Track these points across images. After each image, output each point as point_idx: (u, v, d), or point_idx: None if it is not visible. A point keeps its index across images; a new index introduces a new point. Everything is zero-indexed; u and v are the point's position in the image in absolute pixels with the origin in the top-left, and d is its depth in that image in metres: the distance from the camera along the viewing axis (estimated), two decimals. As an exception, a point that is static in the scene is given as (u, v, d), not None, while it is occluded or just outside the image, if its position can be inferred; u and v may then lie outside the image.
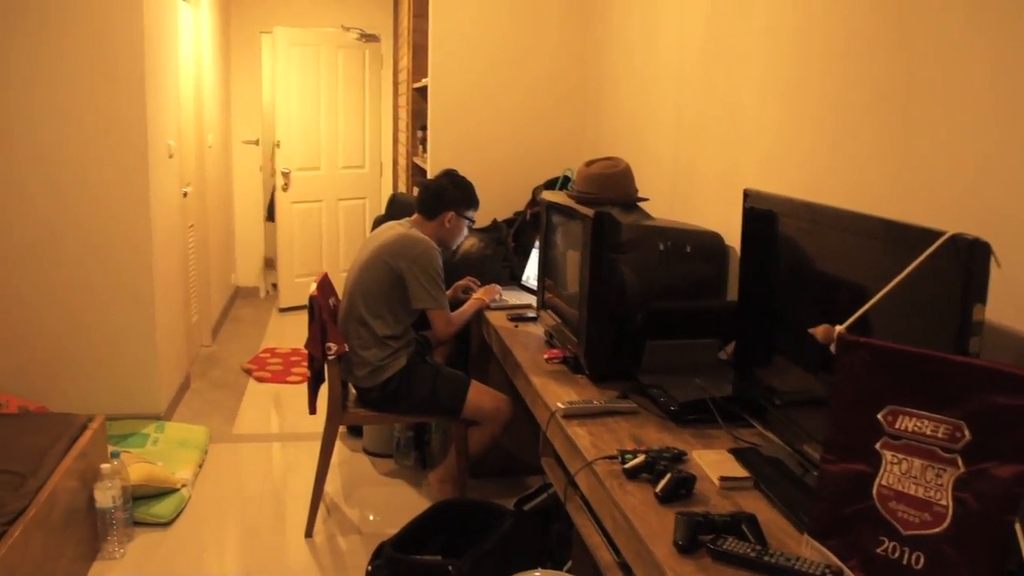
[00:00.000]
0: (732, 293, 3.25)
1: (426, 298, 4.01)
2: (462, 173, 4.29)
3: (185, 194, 6.33)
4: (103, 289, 5.13)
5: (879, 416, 1.62)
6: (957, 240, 1.64)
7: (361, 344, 4.05)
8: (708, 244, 3.24)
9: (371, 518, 4.38)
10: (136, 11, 4.91)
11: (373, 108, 8.86)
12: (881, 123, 2.43)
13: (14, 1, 4.76)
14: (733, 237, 3.22)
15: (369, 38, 8.68)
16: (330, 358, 3.98)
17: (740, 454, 2.38)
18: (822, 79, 2.74)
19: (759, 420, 2.52)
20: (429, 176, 4.67)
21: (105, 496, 3.84)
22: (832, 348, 1.71)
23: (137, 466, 4.20)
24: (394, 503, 4.51)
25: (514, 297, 4.38)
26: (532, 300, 4.24)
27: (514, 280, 4.70)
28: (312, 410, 4.29)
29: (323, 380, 4.16)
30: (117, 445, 4.44)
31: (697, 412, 2.63)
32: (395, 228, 4.16)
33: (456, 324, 4.15)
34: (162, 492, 4.29)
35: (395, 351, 4.04)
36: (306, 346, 4.14)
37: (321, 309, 4.02)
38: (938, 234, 1.67)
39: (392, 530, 3.78)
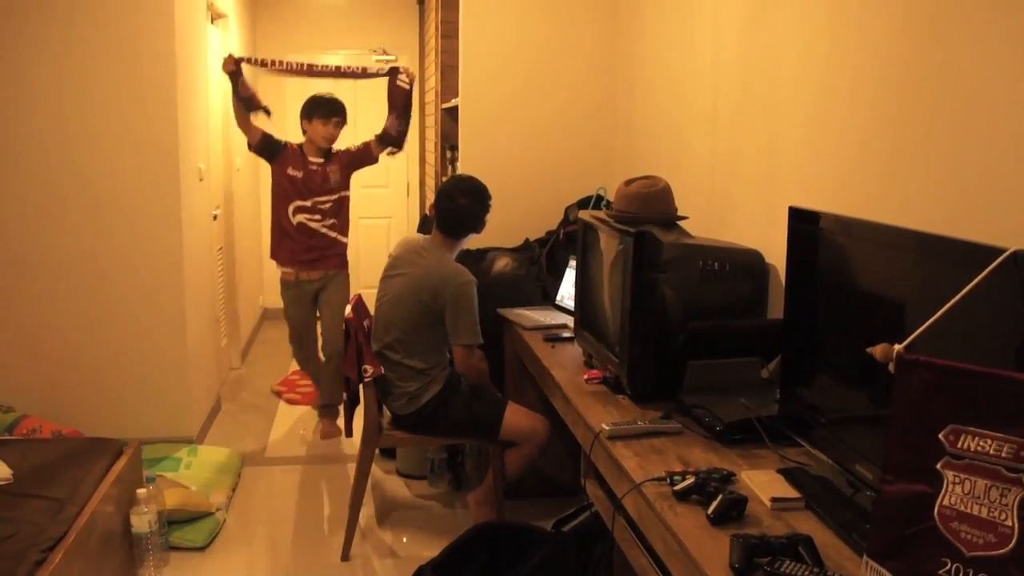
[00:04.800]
0: (772, 311, 3.22)
1: (460, 334, 3.99)
2: (481, 181, 4.22)
3: (215, 217, 6.35)
4: (135, 313, 5.15)
5: (940, 436, 1.59)
6: (1018, 256, 1.61)
7: (398, 376, 4.03)
8: (748, 262, 3.23)
9: (406, 541, 4.36)
10: (168, 35, 4.96)
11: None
12: (926, 135, 2.40)
13: (45, 25, 4.81)
14: (772, 253, 3.20)
15: (388, 61, 8.73)
16: (366, 380, 3.97)
17: (789, 474, 2.35)
18: (864, 91, 2.72)
19: (806, 439, 2.50)
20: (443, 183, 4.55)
21: (141, 521, 3.83)
22: (891, 367, 1.68)
23: (172, 490, 4.20)
24: (429, 525, 4.49)
25: (548, 317, 4.36)
26: (566, 320, 4.22)
27: (547, 300, 4.68)
28: (348, 432, 4.28)
29: (359, 402, 4.14)
30: (150, 469, 4.44)
31: (743, 432, 2.60)
32: (423, 255, 4.11)
33: (476, 373, 4.14)
34: (196, 516, 4.28)
35: (433, 377, 4.04)
36: (342, 368, 4.13)
37: (356, 332, 4.01)
38: (997, 250, 1.64)
39: (429, 553, 3.77)
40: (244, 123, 5.64)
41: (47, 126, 4.90)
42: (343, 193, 5.79)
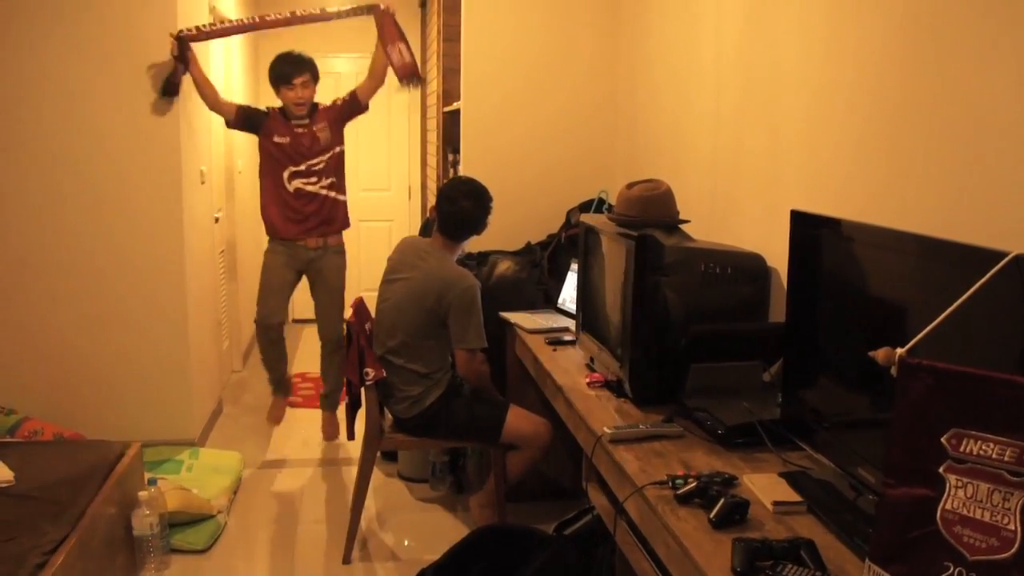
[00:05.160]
0: (774, 315, 3.22)
1: (465, 338, 3.98)
2: (481, 183, 4.21)
3: (217, 219, 6.34)
4: (137, 315, 5.15)
5: (942, 439, 1.59)
6: (1020, 260, 1.61)
7: (401, 381, 4.03)
8: (750, 266, 3.23)
9: (408, 544, 4.36)
10: (170, 39, 4.95)
11: (398, 131, 8.88)
12: (927, 136, 2.40)
13: (49, 29, 4.81)
14: (773, 256, 3.20)
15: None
16: (368, 383, 3.96)
17: (791, 478, 2.35)
18: (863, 91, 2.72)
19: (808, 442, 2.49)
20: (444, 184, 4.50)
21: (143, 523, 3.84)
22: (893, 371, 1.68)
23: (173, 493, 4.20)
24: (431, 528, 4.49)
25: (550, 320, 4.36)
26: (568, 323, 4.22)
27: (549, 303, 4.68)
28: (350, 436, 4.28)
29: (360, 405, 4.14)
30: (151, 472, 4.44)
31: (745, 435, 2.60)
32: (425, 259, 4.09)
33: (477, 376, 4.12)
34: (198, 519, 4.28)
35: (436, 381, 4.04)
36: (343, 371, 4.13)
37: (358, 335, 4.01)
38: (999, 254, 1.64)
39: (430, 556, 3.77)
40: (214, 102, 5.36)
41: (50, 129, 4.90)
42: (336, 149, 5.53)
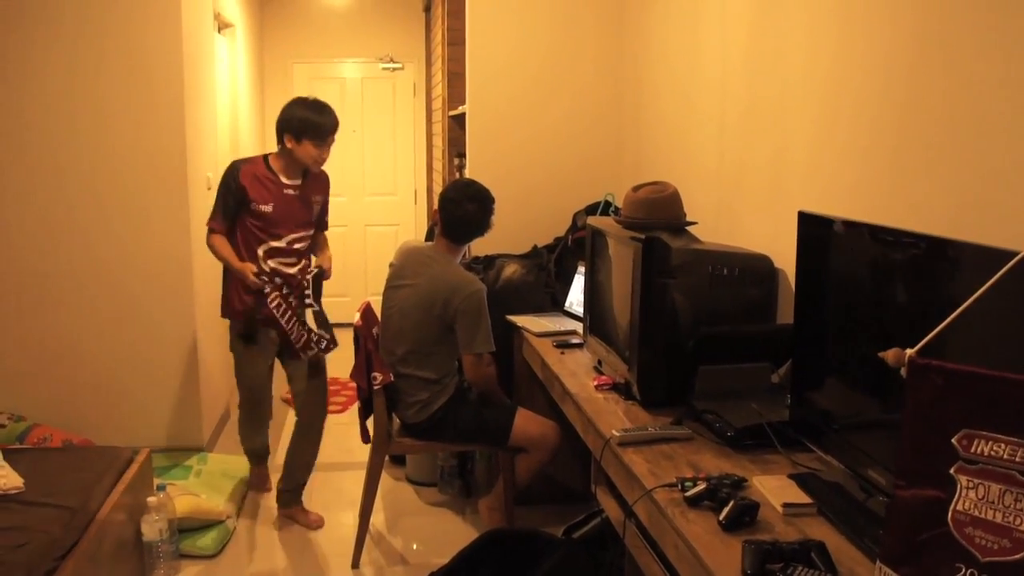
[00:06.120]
0: (782, 316, 3.22)
1: (473, 343, 3.96)
2: (483, 185, 4.17)
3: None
4: (145, 322, 5.16)
5: (953, 440, 1.58)
6: (1031, 260, 1.61)
7: (410, 387, 4.04)
8: (757, 267, 3.22)
9: (416, 548, 4.35)
10: (175, 45, 4.97)
11: (403, 135, 8.89)
12: (934, 139, 2.40)
13: (53, 37, 4.83)
14: (780, 257, 3.20)
15: (395, 69, 8.77)
16: (376, 387, 3.96)
17: (801, 480, 2.34)
18: (871, 95, 2.71)
19: (817, 444, 2.49)
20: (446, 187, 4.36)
21: (152, 529, 3.84)
22: (903, 372, 1.67)
23: (183, 498, 4.20)
24: (440, 532, 4.49)
25: (557, 323, 4.35)
26: (575, 326, 4.22)
27: (556, 306, 4.68)
28: (365, 439, 4.27)
29: (372, 410, 4.13)
30: (160, 477, 4.45)
31: (754, 437, 2.59)
32: (429, 265, 4.07)
33: (484, 379, 4.07)
34: (207, 524, 4.28)
35: (444, 386, 4.04)
36: (352, 376, 4.12)
37: (365, 339, 4.00)
38: (1009, 254, 1.64)
39: (439, 560, 3.77)
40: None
41: (56, 137, 4.92)
42: (315, 230, 4.52)
